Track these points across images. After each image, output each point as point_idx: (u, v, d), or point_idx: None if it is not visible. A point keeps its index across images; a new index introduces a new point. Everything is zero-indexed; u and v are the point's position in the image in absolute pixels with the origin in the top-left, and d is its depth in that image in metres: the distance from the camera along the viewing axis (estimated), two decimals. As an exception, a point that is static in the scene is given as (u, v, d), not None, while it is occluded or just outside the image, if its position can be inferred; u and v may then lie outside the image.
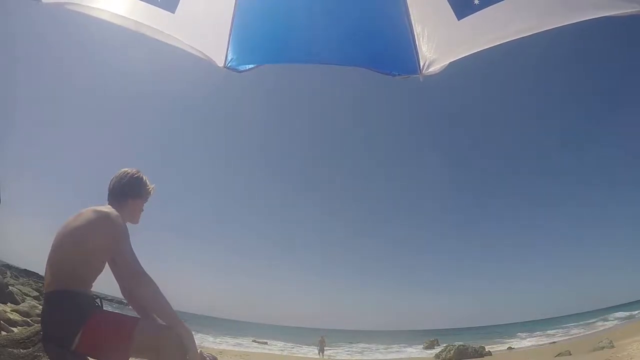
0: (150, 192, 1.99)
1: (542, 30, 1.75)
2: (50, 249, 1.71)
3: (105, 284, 2.08)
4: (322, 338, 22.78)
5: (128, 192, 1.90)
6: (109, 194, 1.90)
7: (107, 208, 1.80)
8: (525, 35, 1.79)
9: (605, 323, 26.33)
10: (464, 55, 2.03)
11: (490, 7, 1.85)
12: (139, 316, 1.84)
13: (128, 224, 1.86)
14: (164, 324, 1.70)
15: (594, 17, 1.61)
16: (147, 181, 1.97)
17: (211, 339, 25.45)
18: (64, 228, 1.72)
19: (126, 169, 1.95)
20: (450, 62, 2.11)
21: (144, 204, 1.99)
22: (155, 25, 2.17)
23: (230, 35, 2.33)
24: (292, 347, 26.90)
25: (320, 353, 21.51)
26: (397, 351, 25.24)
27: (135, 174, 1.94)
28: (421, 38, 2.15)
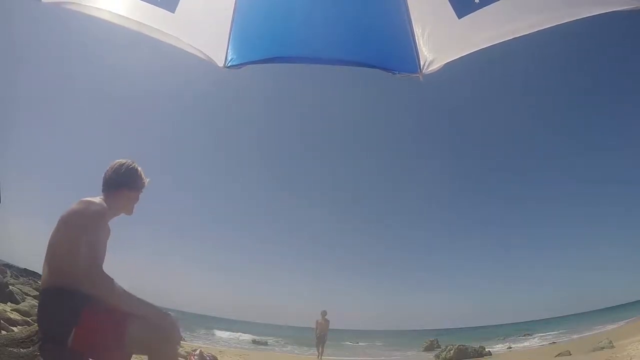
0: (145, 184, 2.00)
1: (544, 27, 1.75)
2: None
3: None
4: (322, 320, 12.23)
5: (123, 183, 1.90)
6: (103, 185, 1.90)
7: (94, 199, 1.78)
8: (526, 33, 1.79)
9: (606, 323, 26.31)
10: (464, 54, 2.03)
11: (491, 5, 1.85)
12: None
13: (123, 215, 1.92)
14: (161, 312, 1.67)
15: (595, 13, 1.61)
16: (142, 173, 1.99)
17: (211, 338, 25.44)
18: (57, 223, 1.71)
19: (122, 160, 1.95)
20: (450, 61, 2.11)
21: (139, 196, 2.01)
22: (156, 25, 2.18)
23: (230, 35, 2.33)
24: (292, 347, 26.92)
25: (320, 347, 12.59)
26: (397, 351, 25.23)
27: (131, 164, 1.95)
28: (421, 37, 2.15)
